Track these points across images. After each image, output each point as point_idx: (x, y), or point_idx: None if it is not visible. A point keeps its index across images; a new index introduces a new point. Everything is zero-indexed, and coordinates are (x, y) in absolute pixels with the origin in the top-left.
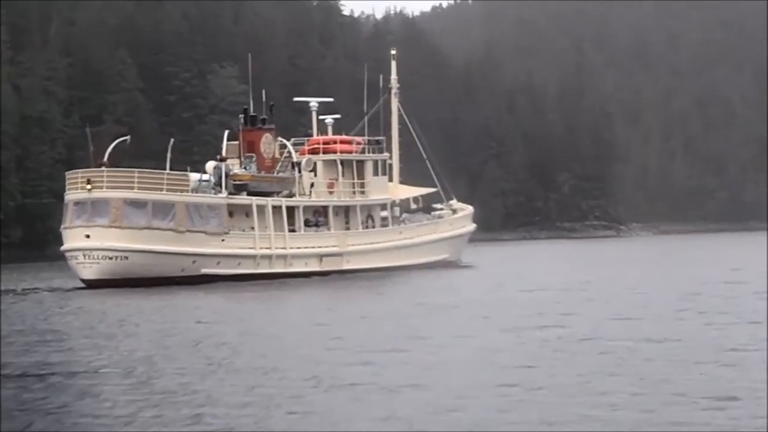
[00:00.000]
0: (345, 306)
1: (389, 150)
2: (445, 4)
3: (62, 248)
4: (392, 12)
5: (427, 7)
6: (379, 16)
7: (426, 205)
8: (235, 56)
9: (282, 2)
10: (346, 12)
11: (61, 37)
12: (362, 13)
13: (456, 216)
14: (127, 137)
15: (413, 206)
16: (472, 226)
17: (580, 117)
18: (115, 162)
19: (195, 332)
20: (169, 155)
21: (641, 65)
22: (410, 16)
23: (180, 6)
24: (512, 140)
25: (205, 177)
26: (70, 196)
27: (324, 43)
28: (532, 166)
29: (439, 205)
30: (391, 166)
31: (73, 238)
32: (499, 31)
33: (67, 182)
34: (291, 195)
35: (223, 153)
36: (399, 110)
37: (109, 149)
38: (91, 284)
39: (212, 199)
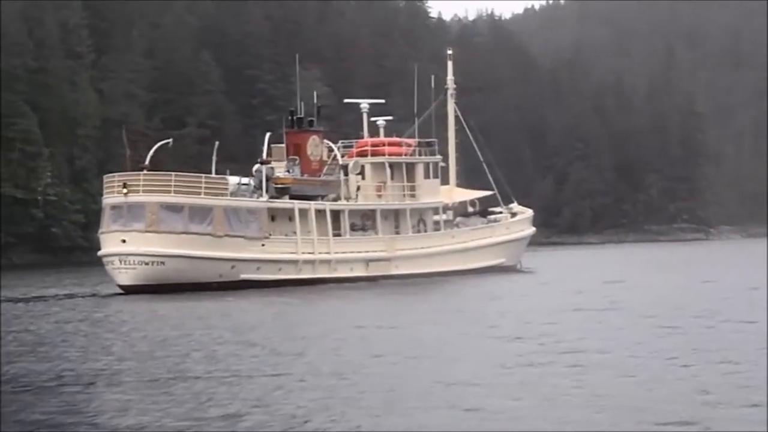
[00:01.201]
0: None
1: (445, 152)
2: (537, 6)
3: (99, 253)
4: (484, 14)
5: (519, 8)
6: (471, 17)
7: (484, 209)
8: (319, 58)
9: (367, 3)
10: (433, 14)
11: (143, 39)
12: (455, 15)
13: (513, 219)
14: (170, 140)
15: (470, 209)
16: (530, 230)
17: (669, 117)
18: (176, 166)
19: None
20: (214, 158)
21: (733, 64)
22: (498, 18)
23: (263, 7)
24: (599, 141)
25: (244, 180)
26: (107, 200)
27: (410, 45)
28: (619, 167)
29: (497, 209)
30: (446, 168)
31: (110, 243)
32: (591, 31)
33: (104, 186)
34: (338, 199)
35: (264, 155)
36: (455, 111)
37: (151, 152)
38: (128, 290)
39: (252, 202)
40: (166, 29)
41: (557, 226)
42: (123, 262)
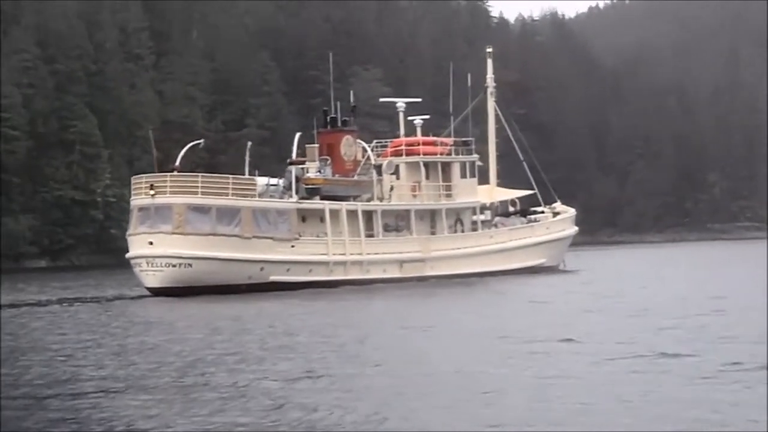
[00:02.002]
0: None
1: (483, 151)
2: (602, 5)
3: (127, 255)
4: (547, 14)
5: (583, 7)
6: (536, 17)
7: (525, 208)
8: (379, 59)
9: (427, 3)
10: (494, 13)
11: (203, 41)
12: (519, 14)
13: (554, 219)
14: (201, 141)
15: (510, 209)
16: (572, 230)
17: (732, 116)
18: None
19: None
20: (247, 159)
21: None
22: (561, 17)
23: (322, 9)
24: (661, 140)
25: (273, 181)
26: (135, 201)
27: (470, 45)
28: (681, 166)
29: (540, 208)
30: (482, 167)
31: (137, 245)
32: (656, 30)
33: (132, 188)
34: (372, 199)
35: (294, 156)
36: (496, 110)
37: (181, 154)
38: (156, 292)
39: (281, 203)
40: (226, 31)
41: (619, 225)
42: (150, 264)
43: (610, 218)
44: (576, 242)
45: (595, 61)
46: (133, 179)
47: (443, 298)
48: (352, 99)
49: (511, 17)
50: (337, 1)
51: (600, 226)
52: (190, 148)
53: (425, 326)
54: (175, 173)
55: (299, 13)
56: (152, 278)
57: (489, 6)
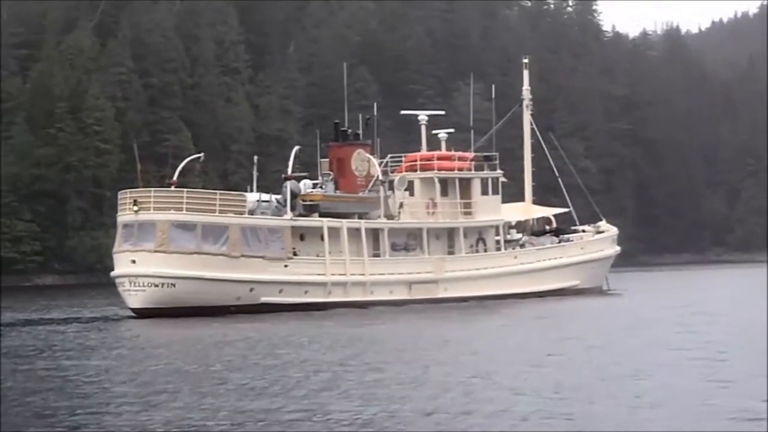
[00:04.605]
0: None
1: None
2: (725, 19)
3: (111, 274)
4: (668, 28)
5: (706, 22)
6: (655, 31)
7: (559, 227)
8: (482, 73)
9: (535, 17)
10: (606, 27)
11: (301, 55)
12: (643, 29)
13: (591, 239)
14: (201, 154)
15: (546, 228)
16: (612, 250)
17: None
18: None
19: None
20: (255, 173)
21: None
22: (677, 31)
23: (425, 23)
24: None
25: (265, 197)
26: (120, 218)
27: (577, 59)
28: None
29: (581, 227)
30: (500, 183)
31: (121, 263)
32: None
33: (118, 203)
34: (389, 217)
35: (290, 170)
36: (531, 124)
37: (179, 168)
38: (139, 313)
39: (273, 221)
40: (324, 45)
41: (728, 243)
42: (133, 284)
43: (719, 237)
44: (680, 262)
45: (707, 76)
46: (119, 194)
47: (432, 321)
48: (375, 110)
49: (626, 31)
50: (439, 14)
51: (708, 244)
52: (190, 161)
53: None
54: (160, 189)
55: (400, 27)
56: (134, 298)
57: (600, 20)
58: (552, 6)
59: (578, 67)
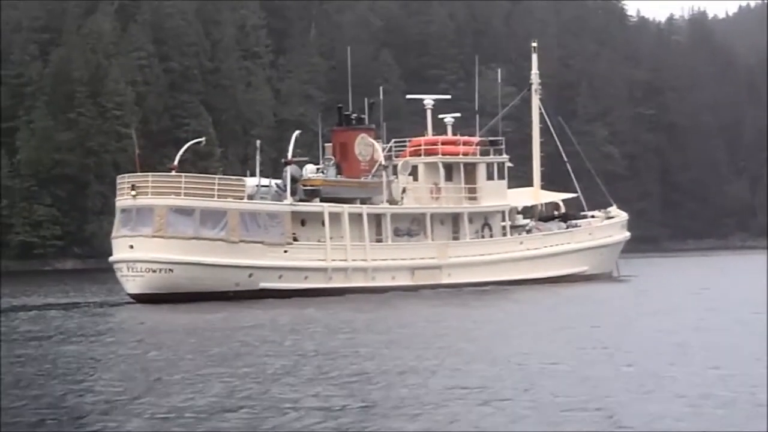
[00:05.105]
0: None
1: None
2: (753, 4)
3: (110, 259)
4: (694, 13)
5: (733, 7)
6: (681, 16)
7: (567, 212)
8: (504, 57)
9: (558, 2)
10: (631, 12)
11: (322, 39)
12: (670, 14)
13: (600, 224)
14: (203, 138)
15: (555, 213)
16: (622, 235)
17: None
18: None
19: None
20: (258, 158)
21: None
22: (702, 16)
23: (448, 7)
24: None
25: (264, 182)
26: (118, 203)
27: (601, 44)
28: None
29: (591, 213)
30: (509, 168)
31: (119, 248)
32: None
33: (117, 188)
34: (392, 202)
35: (290, 155)
36: (540, 109)
37: (180, 152)
38: (137, 298)
39: (272, 206)
40: (347, 29)
41: (751, 229)
42: (130, 269)
43: (743, 222)
44: (703, 248)
45: (732, 61)
46: (118, 179)
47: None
48: (382, 96)
49: (653, 16)
50: (464, 0)
51: (732, 230)
52: (192, 145)
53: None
54: (158, 173)
55: (423, 11)
56: (132, 284)
57: (624, 5)
58: None
59: (602, 52)
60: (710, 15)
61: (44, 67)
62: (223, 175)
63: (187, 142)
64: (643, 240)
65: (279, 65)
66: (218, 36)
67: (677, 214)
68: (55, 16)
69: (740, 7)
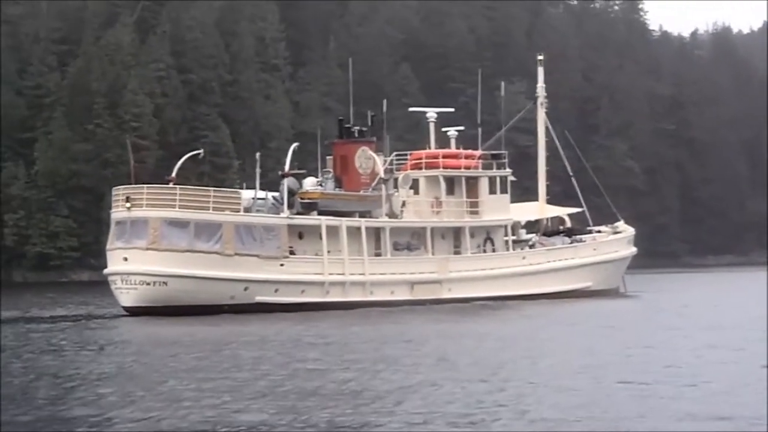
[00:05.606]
0: None
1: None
2: None
3: (104, 272)
4: (717, 28)
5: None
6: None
7: (572, 227)
8: (524, 71)
9: (580, 16)
10: (653, 26)
11: (342, 51)
12: (695, 29)
13: (605, 239)
14: (201, 151)
15: (560, 228)
16: (628, 251)
17: None
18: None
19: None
20: (258, 170)
21: None
22: (725, 30)
23: (468, 20)
24: None
25: (260, 194)
26: (113, 214)
27: (623, 58)
28: None
29: (597, 228)
30: (510, 182)
31: (113, 260)
32: None
33: (112, 199)
34: (392, 215)
35: (287, 168)
36: (546, 122)
37: (178, 164)
38: (131, 311)
39: (269, 219)
40: (366, 42)
41: None
42: (124, 282)
43: (764, 238)
44: (723, 263)
45: (754, 76)
46: (113, 191)
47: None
48: (385, 108)
49: (676, 31)
50: (483, 12)
51: (752, 246)
52: (189, 158)
53: None
54: (153, 185)
55: (443, 24)
56: (126, 297)
57: (646, 19)
58: (598, 5)
59: (624, 66)
60: (735, 30)
61: (62, 79)
62: (240, 187)
63: (206, 154)
64: (663, 255)
65: (298, 78)
66: (237, 48)
67: (697, 229)
68: (74, 27)
69: (765, 22)
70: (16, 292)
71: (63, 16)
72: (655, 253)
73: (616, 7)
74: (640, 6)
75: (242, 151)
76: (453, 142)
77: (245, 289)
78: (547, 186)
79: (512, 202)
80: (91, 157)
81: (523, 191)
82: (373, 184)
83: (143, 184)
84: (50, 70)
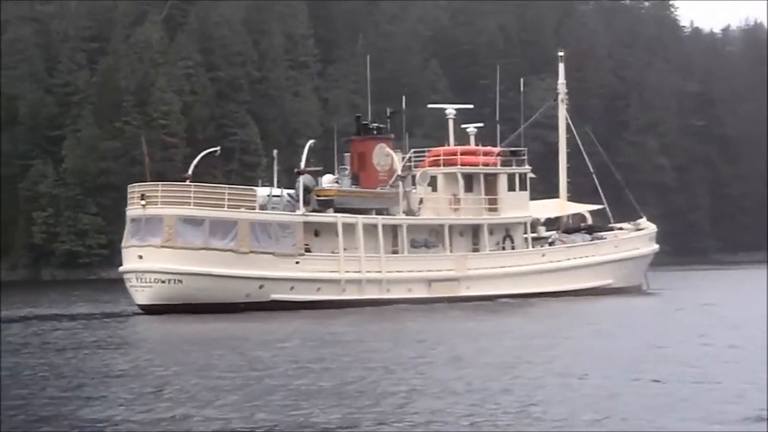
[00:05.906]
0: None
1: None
2: None
3: (119, 270)
4: (747, 23)
5: None
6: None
7: (592, 225)
8: (553, 68)
9: (610, 12)
10: (684, 22)
11: (371, 49)
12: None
13: (626, 236)
14: (217, 148)
15: (581, 224)
16: (650, 248)
17: None
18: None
19: None
20: (275, 167)
21: None
22: (755, 25)
23: (498, 18)
24: None
25: (276, 192)
26: (128, 212)
27: (653, 55)
28: None
29: (619, 225)
30: (528, 179)
31: (128, 258)
32: None
33: (128, 197)
34: (409, 213)
35: (303, 164)
36: (567, 119)
37: (195, 162)
38: (146, 309)
39: (284, 216)
40: (395, 39)
41: None
42: (139, 280)
43: None
44: (754, 260)
45: None
46: (129, 188)
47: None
48: (404, 104)
49: (708, 27)
50: (513, 9)
51: None
52: (217, 156)
53: None
54: (168, 183)
55: (473, 22)
56: (141, 295)
57: (677, 16)
58: (628, 2)
59: (654, 63)
60: (766, 26)
61: (91, 76)
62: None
63: (234, 152)
64: (693, 252)
65: (327, 75)
66: (266, 45)
67: (728, 226)
68: (103, 25)
69: None
70: (41, 290)
71: (92, 14)
72: (686, 250)
73: (647, 4)
74: (671, 2)
75: (271, 148)
76: (472, 139)
77: (260, 286)
78: (570, 183)
79: (540, 197)
80: (120, 154)
81: (554, 187)
82: (391, 182)
83: (173, 182)
84: (79, 68)
